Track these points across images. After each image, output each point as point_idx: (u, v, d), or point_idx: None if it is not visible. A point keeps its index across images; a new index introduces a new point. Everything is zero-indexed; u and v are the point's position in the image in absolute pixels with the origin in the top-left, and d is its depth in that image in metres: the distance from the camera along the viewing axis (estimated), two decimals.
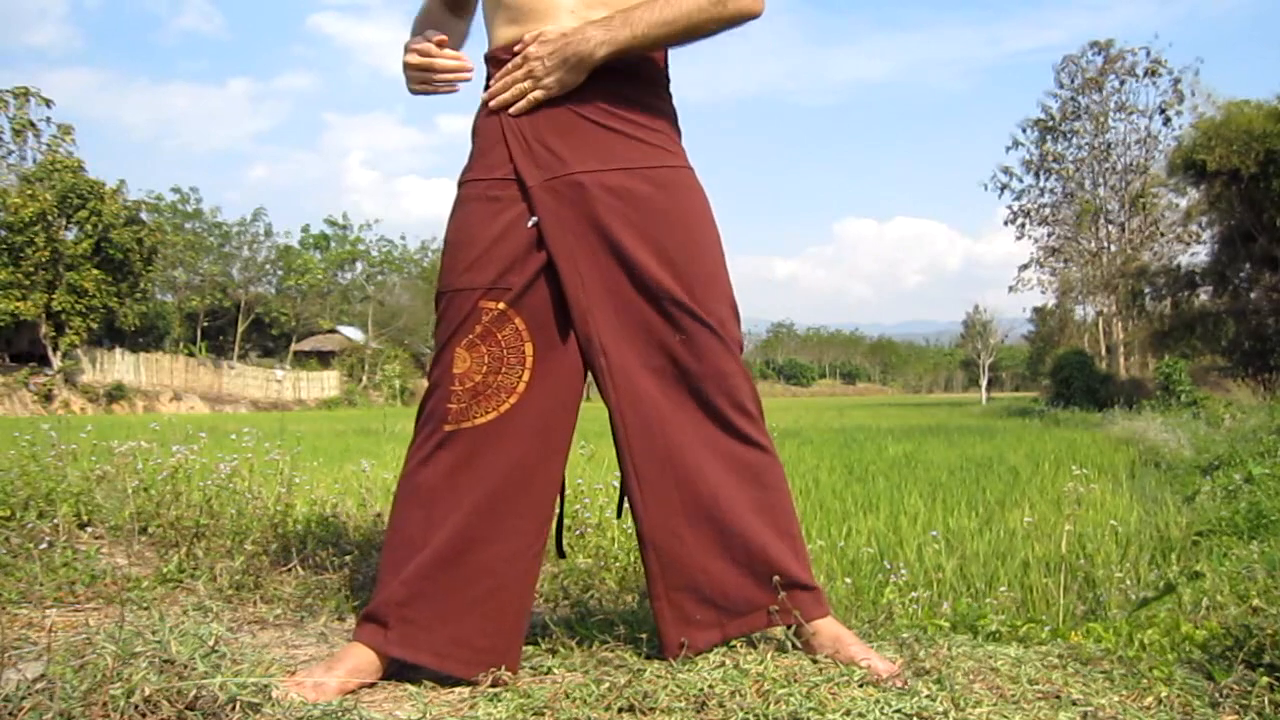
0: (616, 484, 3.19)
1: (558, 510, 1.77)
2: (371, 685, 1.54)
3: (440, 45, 1.65)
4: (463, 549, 1.56)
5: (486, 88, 1.68)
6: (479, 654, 1.55)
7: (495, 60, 1.68)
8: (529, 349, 1.58)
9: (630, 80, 1.65)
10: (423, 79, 1.67)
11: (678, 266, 1.62)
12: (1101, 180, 35.73)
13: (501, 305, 1.57)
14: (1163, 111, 34.20)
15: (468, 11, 1.88)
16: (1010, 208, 37.11)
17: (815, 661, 1.62)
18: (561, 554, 1.88)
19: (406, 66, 1.67)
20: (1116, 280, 31.56)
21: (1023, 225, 36.98)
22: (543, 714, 1.40)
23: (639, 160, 1.63)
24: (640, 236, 1.61)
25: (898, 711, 1.39)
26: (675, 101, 1.75)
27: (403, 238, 56.96)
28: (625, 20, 1.58)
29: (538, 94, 1.60)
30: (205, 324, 45.06)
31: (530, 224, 1.59)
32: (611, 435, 1.64)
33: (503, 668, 1.55)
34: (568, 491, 1.83)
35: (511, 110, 1.62)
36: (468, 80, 1.67)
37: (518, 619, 1.61)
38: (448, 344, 1.60)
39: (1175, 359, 21.80)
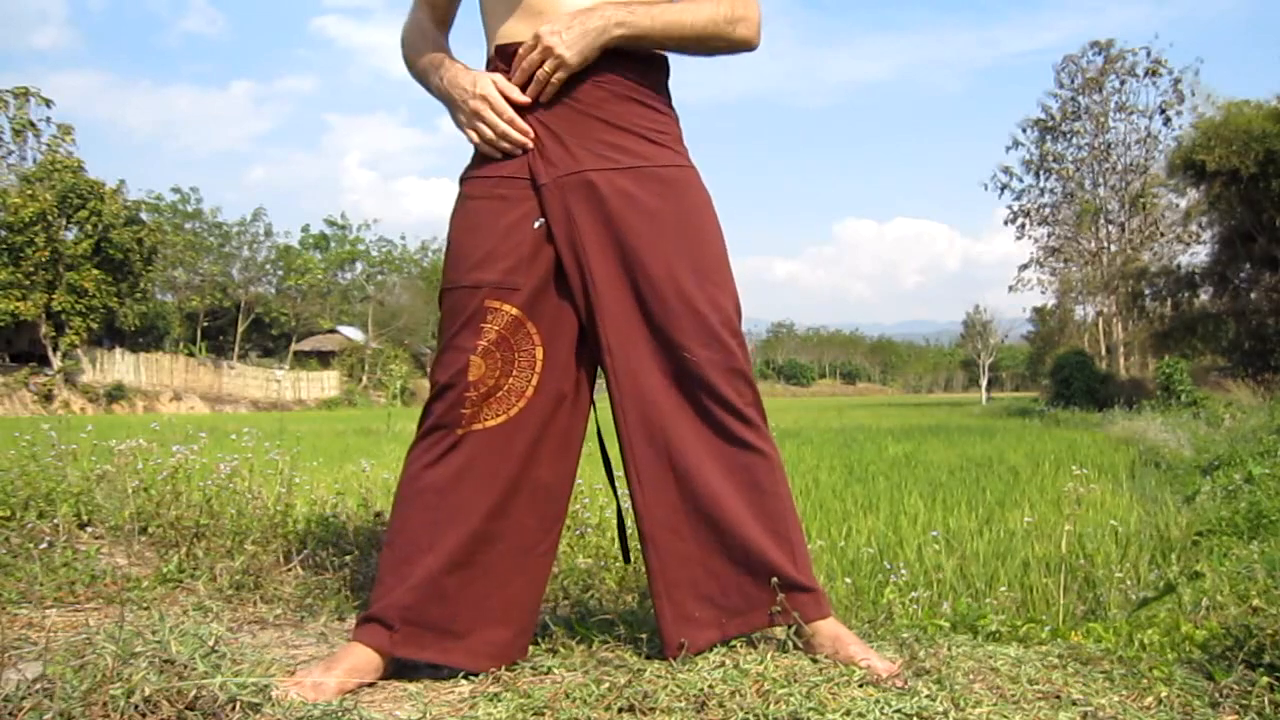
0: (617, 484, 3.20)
1: (616, 512, 1.80)
2: (371, 685, 1.54)
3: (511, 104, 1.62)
4: (471, 552, 1.56)
5: None
6: (485, 646, 1.57)
7: (505, 53, 1.66)
8: (539, 354, 1.58)
9: (639, 81, 1.66)
10: (489, 134, 1.62)
11: (686, 264, 1.63)
12: (1101, 180, 35.72)
13: (515, 311, 1.57)
14: (1163, 112, 34.21)
15: (449, 28, 1.87)
16: (1010, 207, 37.14)
17: (815, 661, 1.62)
18: (627, 559, 1.88)
19: (473, 113, 1.61)
20: (1116, 281, 31.56)
21: (1023, 225, 37.00)
22: (543, 714, 1.40)
23: (648, 158, 1.64)
24: (650, 234, 1.61)
25: (898, 711, 1.39)
26: (675, 103, 1.76)
27: (402, 238, 56.98)
28: (646, 11, 1.60)
29: (560, 74, 1.59)
30: (205, 324, 45.03)
31: (537, 225, 1.59)
32: (616, 433, 1.65)
33: (502, 668, 1.56)
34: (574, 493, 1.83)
35: (541, 97, 1.61)
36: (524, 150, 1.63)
37: (526, 616, 1.63)
38: (453, 343, 1.59)
39: (1175, 359, 21.79)
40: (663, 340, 1.62)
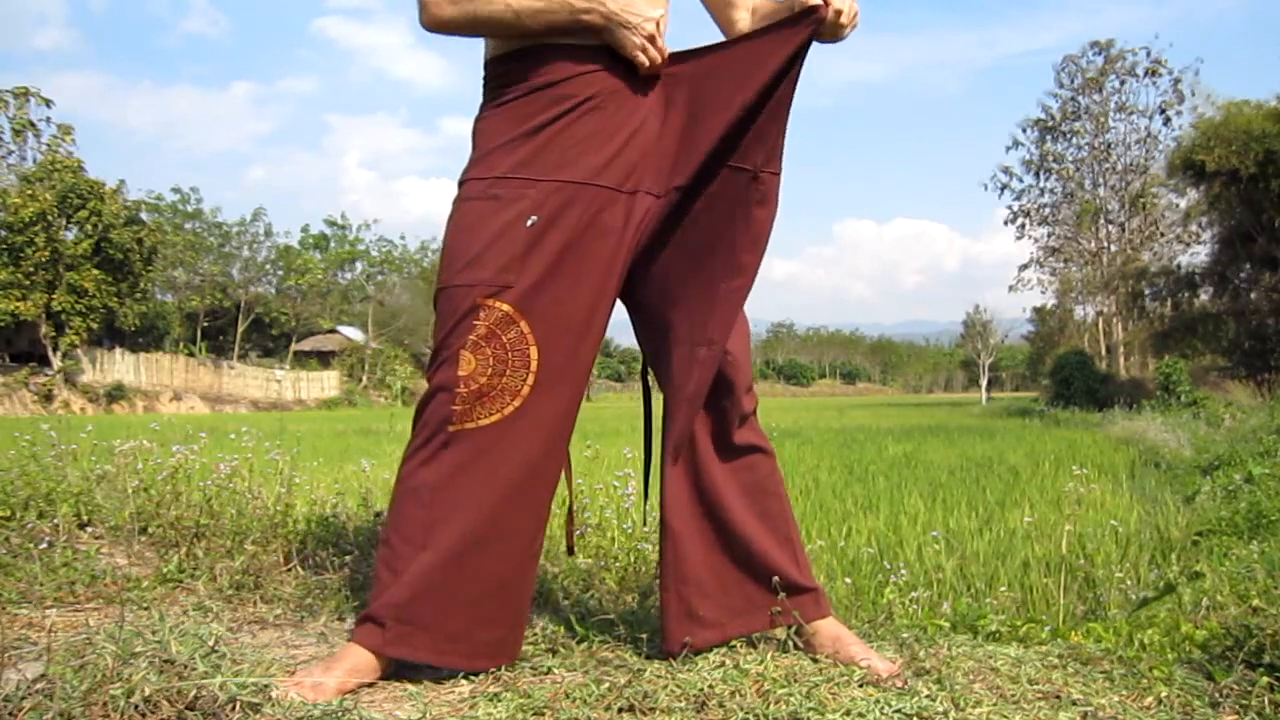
0: (617, 484, 3.20)
1: (567, 508, 1.80)
2: (371, 685, 1.54)
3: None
4: (464, 551, 1.55)
5: (486, 84, 1.66)
6: (479, 647, 1.57)
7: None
8: (534, 353, 1.56)
9: None
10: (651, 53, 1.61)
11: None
12: (1101, 180, 35.73)
13: (506, 307, 1.55)
14: (1163, 112, 34.22)
15: None
16: (1010, 208, 37.18)
17: (815, 661, 1.62)
18: (571, 550, 1.89)
19: (649, 36, 1.60)
20: (1116, 281, 31.57)
21: (1023, 225, 37.03)
22: (543, 714, 1.40)
23: None
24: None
25: (898, 711, 1.39)
26: None
27: (402, 238, 57.09)
28: None
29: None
30: (205, 324, 45.02)
31: (530, 223, 1.57)
32: (663, 424, 1.69)
33: (502, 667, 1.56)
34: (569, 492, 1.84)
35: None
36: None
37: (518, 615, 1.62)
38: (446, 341, 1.58)
39: (1175, 359, 21.80)
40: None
